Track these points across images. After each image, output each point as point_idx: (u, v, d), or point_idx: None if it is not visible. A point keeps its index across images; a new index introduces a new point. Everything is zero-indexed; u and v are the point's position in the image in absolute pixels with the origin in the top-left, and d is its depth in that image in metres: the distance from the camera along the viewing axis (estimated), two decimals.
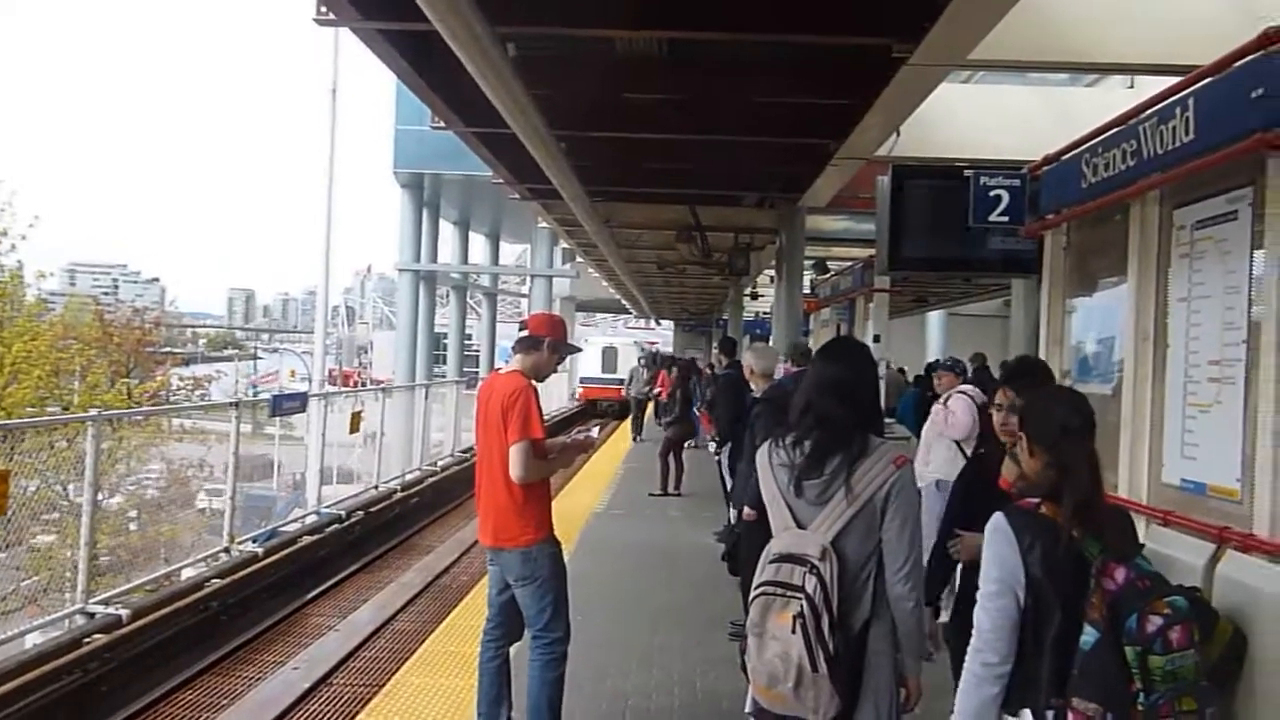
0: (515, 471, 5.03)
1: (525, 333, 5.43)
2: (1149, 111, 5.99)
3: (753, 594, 3.29)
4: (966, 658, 2.95)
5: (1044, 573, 2.81)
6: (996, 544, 2.91)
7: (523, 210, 19.71)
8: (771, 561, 3.27)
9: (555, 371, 5.62)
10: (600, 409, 42.04)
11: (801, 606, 3.13)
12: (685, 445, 15.96)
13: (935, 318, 30.25)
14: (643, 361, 29.43)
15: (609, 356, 45.20)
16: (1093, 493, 2.90)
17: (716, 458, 11.56)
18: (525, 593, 5.20)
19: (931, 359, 27.65)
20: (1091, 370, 7.22)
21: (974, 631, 2.93)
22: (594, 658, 6.71)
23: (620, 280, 29.52)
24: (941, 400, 8.26)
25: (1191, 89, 5.33)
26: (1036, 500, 2.96)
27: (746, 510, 6.45)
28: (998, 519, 2.95)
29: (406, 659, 7.42)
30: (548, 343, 5.33)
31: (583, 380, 45.23)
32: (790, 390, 4.57)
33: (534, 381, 5.29)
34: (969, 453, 8.06)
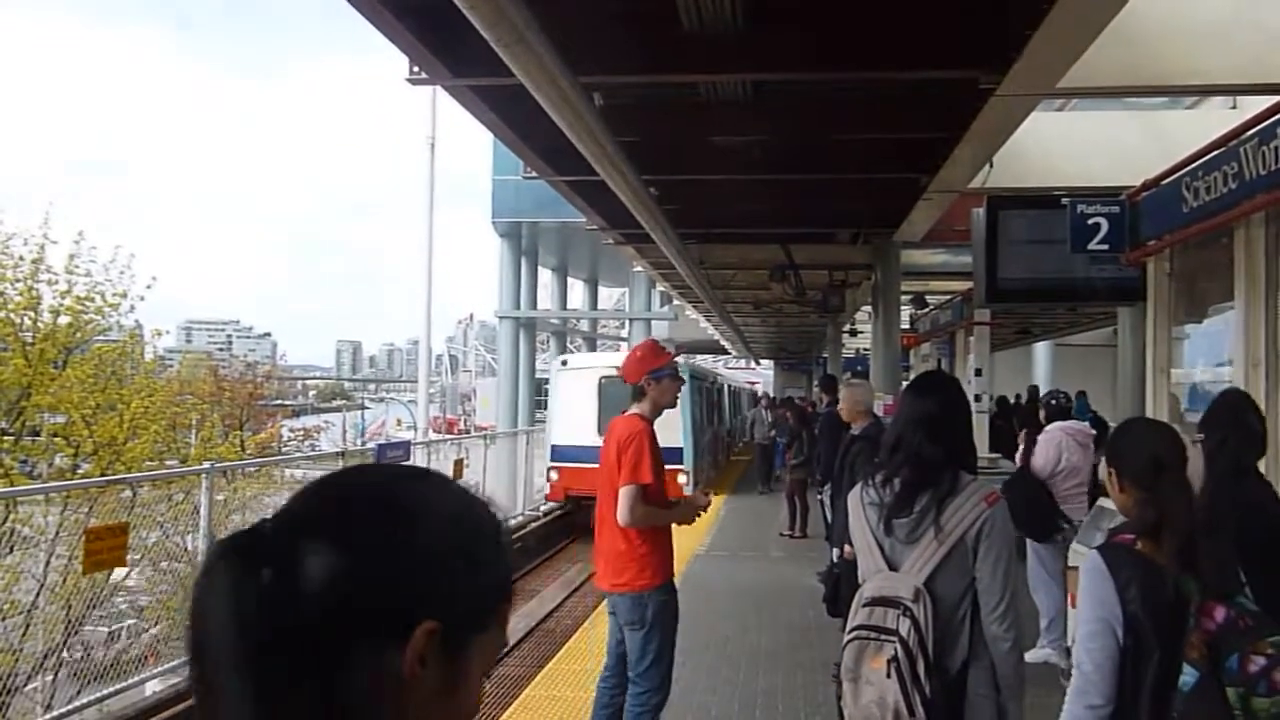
0: (621, 515, 5.00)
1: (628, 383, 5.41)
2: (1250, 132, 5.85)
3: (846, 638, 3.25)
4: (1067, 700, 2.86)
5: (1143, 611, 2.72)
6: (1093, 582, 2.81)
7: (619, 254, 19.91)
8: (864, 605, 3.23)
9: (676, 400, 5.50)
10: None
11: (895, 650, 3.08)
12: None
13: (1042, 349, 29.56)
14: (764, 403, 24.93)
15: (610, 398, 18.13)
16: (1192, 532, 2.81)
17: (820, 497, 11.44)
18: (632, 636, 5.16)
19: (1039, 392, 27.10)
20: (1202, 399, 7.00)
21: (1074, 673, 2.83)
22: (695, 701, 6.67)
23: (718, 321, 29.52)
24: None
25: None
26: (1131, 536, 2.88)
27: (847, 549, 6.36)
28: (1094, 557, 2.86)
29: (510, 705, 7.46)
30: (646, 380, 5.29)
31: (555, 453, 20.69)
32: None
33: (657, 416, 5.30)
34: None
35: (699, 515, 5.45)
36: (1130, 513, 2.97)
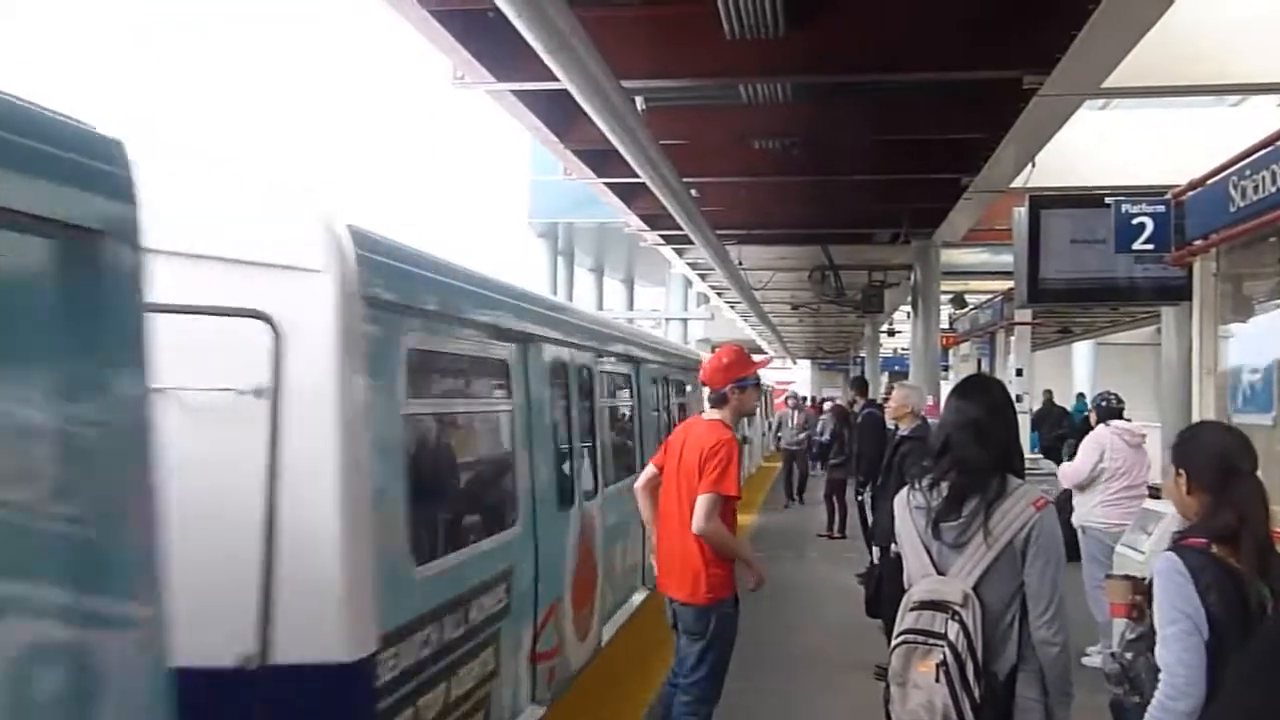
0: (697, 522, 4.88)
1: (708, 390, 5.34)
2: None
3: (894, 642, 3.25)
4: (1155, 705, 2.81)
5: (1223, 615, 2.72)
6: (1174, 584, 2.79)
7: (656, 255, 19.96)
8: (912, 609, 3.23)
9: (757, 405, 5.44)
10: None
11: (944, 654, 3.08)
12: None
13: (1083, 348, 29.34)
14: (792, 404, 21.52)
15: None
16: (1268, 537, 2.81)
17: (860, 499, 11.39)
18: (690, 645, 5.12)
19: (1079, 390, 26.98)
20: (1249, 400, 6.94)
21: (1164, 676, 2.80)
22: (736, 702, 6.67)
23: (755, 322, 29.43)
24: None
25: None
26: (1205, 540, 2.87)
27: (894, 547, 6.34)
28: (1171, 559, 2.84)
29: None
30: (730, 389, 5.20)
31: None
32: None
33: (737, 423, 5.26)
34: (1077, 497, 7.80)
35: (754, 583, 5.30)
36: (1197, 516, 2.95)
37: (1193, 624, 2.74)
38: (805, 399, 21.64)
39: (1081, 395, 21.90)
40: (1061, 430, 18.31)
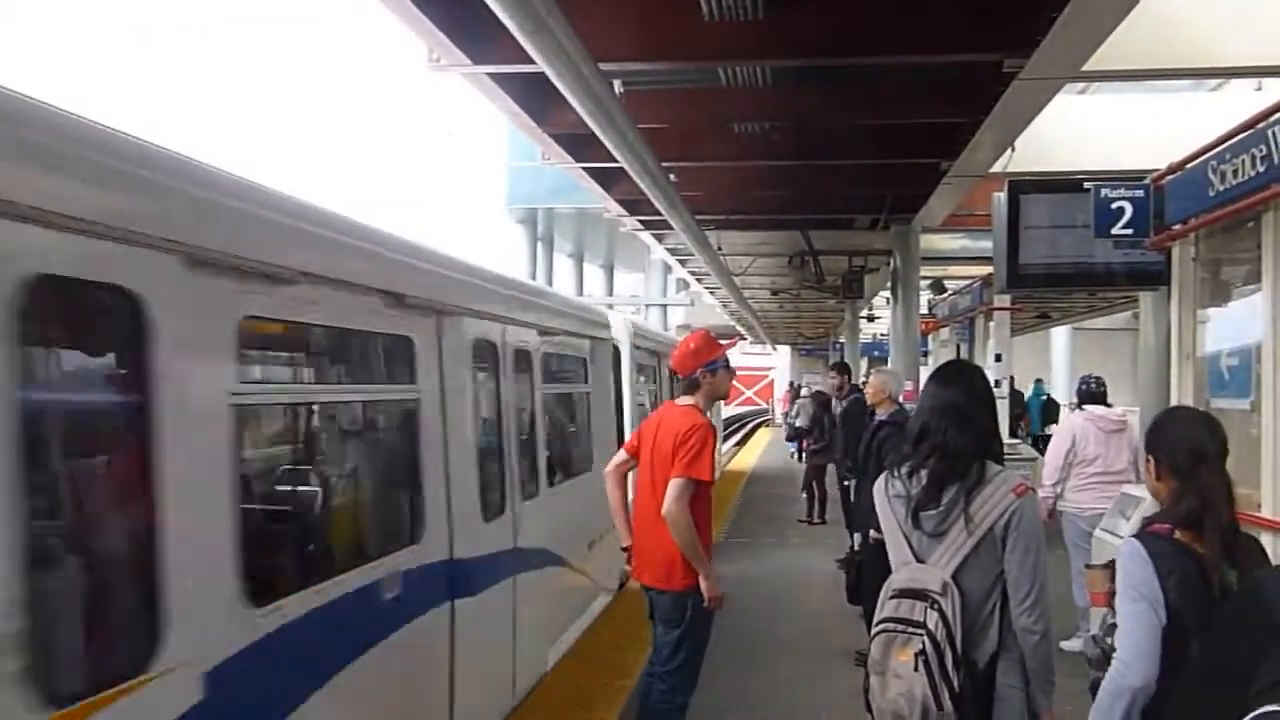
0: (667, 504, 4.83)
1: (680, 377, 5.32)
2: (1278, 114, 5.79)
3: (873, 631, 3.23)
4: (1105, 683, 2.82)
5: (1183, 601, 2.72)
6: (1135, 567, 2.79)
7: (636, 241, 19.87)
8: (891, 597, 3.19)
9: (730, 389, 5.46)
10: None
11: (923, 643, 3.04)
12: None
13: (1060, 333, 29.47)
14: (816, 398, 16.39)
15: None
16: (1232, 521, 2.80)
17: (845, 484, 11.35)
18: (667, 633, 5.10)
19: (1057, 376, 27.11)
20: (1227, 384, 6.94)
21: (1117, 653, 2.81)
22: (716, 688, 6.65)
23: (735, 307, 29.40)
24: None
25: None
26: (1169, 525, 2.85)
27: (873, 533, 6.31)
28: (1133, 544, 2.85)
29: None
30: (700, 374, 5.18)
31: None
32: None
33: (710, 408, 5.23)
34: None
35: (713, 600, 5.06)
36: (1165, 501, 2.94)
37: (1150, 607, 2.74)
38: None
39: (1040, 380, 22.49)
40: (1016, 411, 18.86)
